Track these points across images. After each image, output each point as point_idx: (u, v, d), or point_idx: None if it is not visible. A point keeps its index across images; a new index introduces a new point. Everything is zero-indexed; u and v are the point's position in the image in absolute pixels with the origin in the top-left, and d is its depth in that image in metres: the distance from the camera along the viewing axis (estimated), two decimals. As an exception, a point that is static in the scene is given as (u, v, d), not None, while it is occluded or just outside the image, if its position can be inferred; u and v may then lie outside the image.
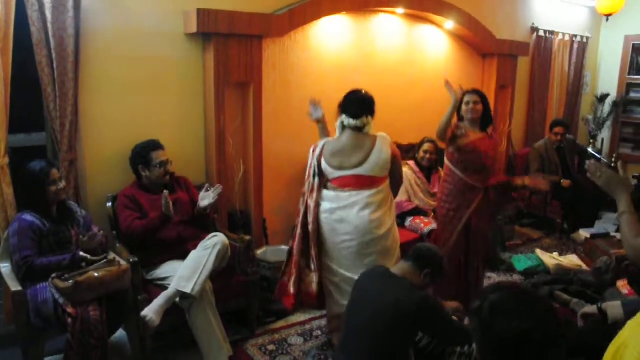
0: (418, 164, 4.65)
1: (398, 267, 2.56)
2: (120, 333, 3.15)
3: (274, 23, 3.82)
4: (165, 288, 2.97)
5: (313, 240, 3.20)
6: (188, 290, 2.89)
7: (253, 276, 3.42)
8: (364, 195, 3.09)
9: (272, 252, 3.87)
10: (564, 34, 6.52)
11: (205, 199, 3.29)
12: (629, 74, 7.11)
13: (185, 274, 2.95)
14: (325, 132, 3.52)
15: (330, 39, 4.40)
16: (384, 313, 2.30)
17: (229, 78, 3.67)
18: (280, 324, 3.66)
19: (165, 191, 3.13)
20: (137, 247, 3.14)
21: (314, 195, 3.22)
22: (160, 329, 2.89)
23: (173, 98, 3.66)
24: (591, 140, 7.03)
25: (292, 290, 3.26)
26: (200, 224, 3.38)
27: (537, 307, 1.35)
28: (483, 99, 3.60)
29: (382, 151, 3.11)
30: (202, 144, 3.81)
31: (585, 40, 6.86)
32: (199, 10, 3.42)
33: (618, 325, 2.61)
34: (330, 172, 3.19)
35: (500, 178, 3.78)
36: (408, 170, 4.54)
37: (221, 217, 3.77)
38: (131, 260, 2.93)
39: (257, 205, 3.98)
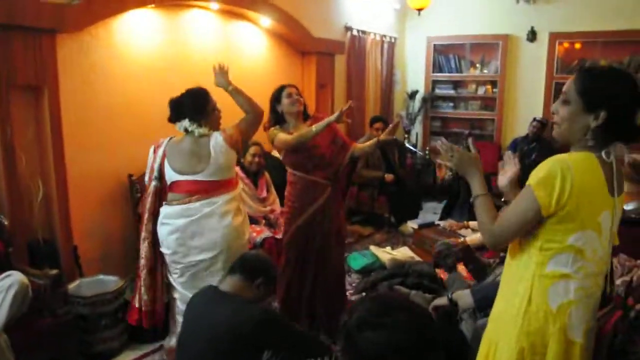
0: (244, 168, 4.36)
1: (226, 283, 2.25)
2: None
3: (69, 15, 3.24)
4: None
5: (148, 254, 2.95)
6: (-27, 350, 2.26)
7: (65, 317, 2.89)
8: (218, 202, 2.83)
9: (88, 285, 3.29)
10: (375, 34, 6.73)
11: None
12: (433, 71, 7.59)
13: (-31, 329, 2.31)
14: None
15: (138, 36, 3.91)
16: (220, 340, 2.02)
17: (13, 80, 3.03)
18: (106, 367, 3.12)
19: None
20: None
21: (150, 200, 2.93)
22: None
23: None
24: (406, 135, 7.37)
25: (135, 304, 3.01)
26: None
27: (404, 314, 1.25)
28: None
29: (220, 152, 2.86)
30: (-15, 163, 3.09)
31: (393, 40, 7.18)
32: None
33: (467, 312, 2.60)
34: (172, 175, 2.87)
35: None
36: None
37: (18, 250, 3.09)
38: None
39: (64, 231, 3.36)
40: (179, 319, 2.91)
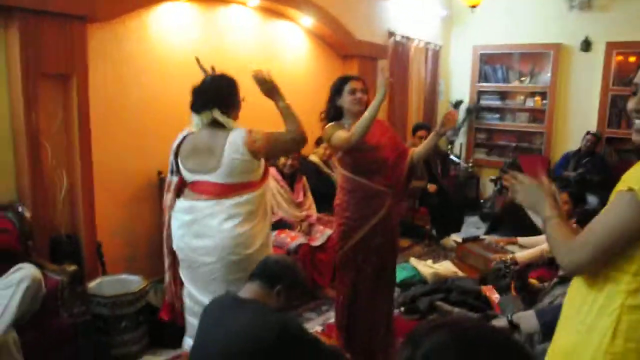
0: (279, 171, 4.17)
1: (246, 289, 2.05)
2: None
3: (100, 2, 3.13)
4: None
5: (167, 247, 2.72)
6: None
7: (82, 317, 2.73)
8: (226, 204, 2.49)
9: (109, 284, 3.13)
10: (419, 41, 6.50)
11: None
12: (479, 81, 7.30)
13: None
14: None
15: (172, 30, 3.78)
16: (236, 352, 1.83)
17: (42, 67, 2.92)
18: (124, 373, 2.95)
19: None
20: None
21: (170, 195, 2.67)
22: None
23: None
24: (449, 146, 7.09)
25: (166, 298, 2.84)
26: (5, 253, 2.58)
27: (491, 352, 0.91)
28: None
29: (235, 153, 2.48)
30: (10, 151, 2.99)
31: (437, 48, 6.93)
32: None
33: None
34: (186, 175, 2.61)
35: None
36: (269, 178, 4.03)
37: (40, 243, 2.98)
38: None
39: (88, 227, 3.22)
40: (188, 317, 2.71)
